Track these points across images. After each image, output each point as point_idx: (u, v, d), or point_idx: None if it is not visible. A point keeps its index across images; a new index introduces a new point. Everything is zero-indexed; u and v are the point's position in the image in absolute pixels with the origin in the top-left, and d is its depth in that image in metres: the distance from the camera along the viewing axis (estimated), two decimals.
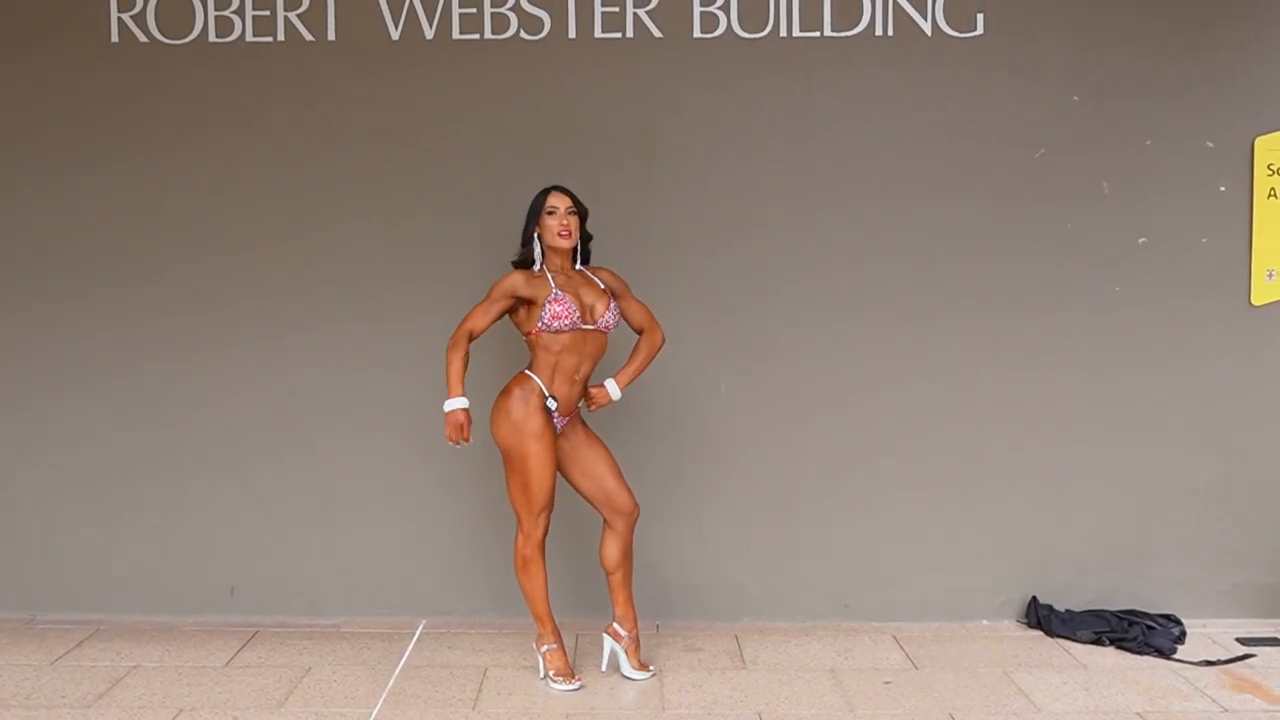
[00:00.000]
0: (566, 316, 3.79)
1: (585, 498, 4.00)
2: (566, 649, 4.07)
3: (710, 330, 4.58)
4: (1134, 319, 4.59)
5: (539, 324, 3.80)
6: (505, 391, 3.88)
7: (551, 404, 3.83)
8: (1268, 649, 4.36)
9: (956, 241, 4.57)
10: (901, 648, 4.37)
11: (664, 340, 4.03)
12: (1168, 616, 4.56)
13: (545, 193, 3.91)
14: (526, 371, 3.87)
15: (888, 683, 4.02)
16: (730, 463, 4.63)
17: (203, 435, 4.64)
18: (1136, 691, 3.95)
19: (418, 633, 4.50)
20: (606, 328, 3.89)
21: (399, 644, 4.37)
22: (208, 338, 4.62)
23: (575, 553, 4.45)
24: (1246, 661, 4.24)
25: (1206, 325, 4.59)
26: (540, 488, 3.82)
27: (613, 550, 3.99)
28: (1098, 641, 4.41)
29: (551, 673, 3.94)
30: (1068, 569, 4.66)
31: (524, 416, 3.81)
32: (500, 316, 3.85)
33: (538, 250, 3.90)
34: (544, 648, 3.98)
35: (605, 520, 4.00)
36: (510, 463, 3.84)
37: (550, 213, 3.87)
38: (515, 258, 3.93)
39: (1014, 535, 4.65)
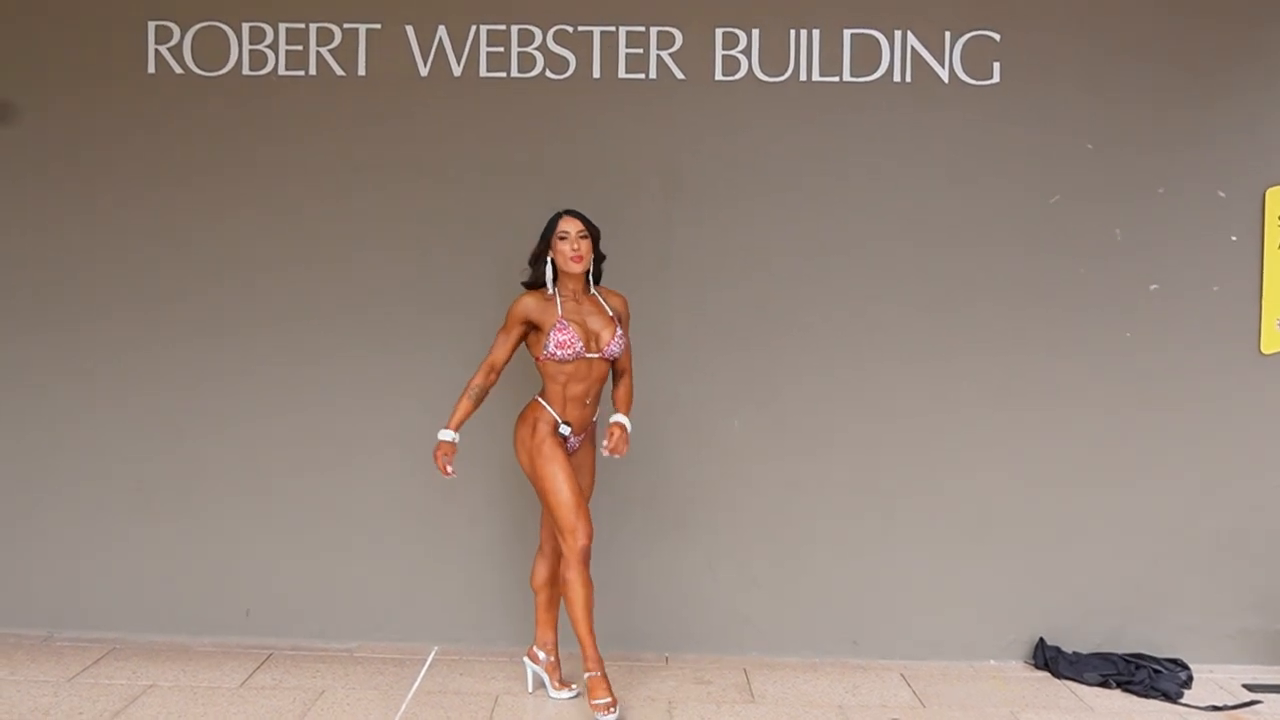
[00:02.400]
0: (570, 346, 3.89)
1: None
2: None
3: (725, 366, 4.65)
4: (1145, 365, 4.64)
5: (545, 351, 3.91)
6: (521, 418, 4.03)
7: (565, 430, 3.96)
8: (1275, 695, 4.38)
9: (970, 285, 4.63)
10: (909, 685, 4.40)
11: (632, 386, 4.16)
12: (1175, 661, 4.59)
13: (558, 217, 3.99)
14: (539, 400, 4.00)
15: None
16: (741, 498, 4.68)
17: (220, 459, 4.71)
18: None
19: (430, 659, 4.54)
20: (611, 356, 3.99)
21: (411, 669, 4.42)
22: (228, 363, 4.70)
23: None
24: (1253, 708, 4.26)
25: (1217, 372, 4.64)
26: (565, 489, 3.90)
27: (542, 570, 4.19)
28: (1104, 684, 4.44)
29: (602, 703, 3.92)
30: (1076, 611, 4.69)
31: (538, 442, 3.94)
32: (520, 341, 3.97)
33: (549, 273, 3.96)
34: (586, 675, 3.99)
35: (544, 543, 4.20)
36: (536, 484, 3.98)
37: (562, 238, 3.93)
38: (524, 279, 4.03)
39: (1023, 576, 4.68)
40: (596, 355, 3.95)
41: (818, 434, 4.66)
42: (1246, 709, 4.25)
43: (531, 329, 3.94)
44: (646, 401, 4.34)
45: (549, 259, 3.96)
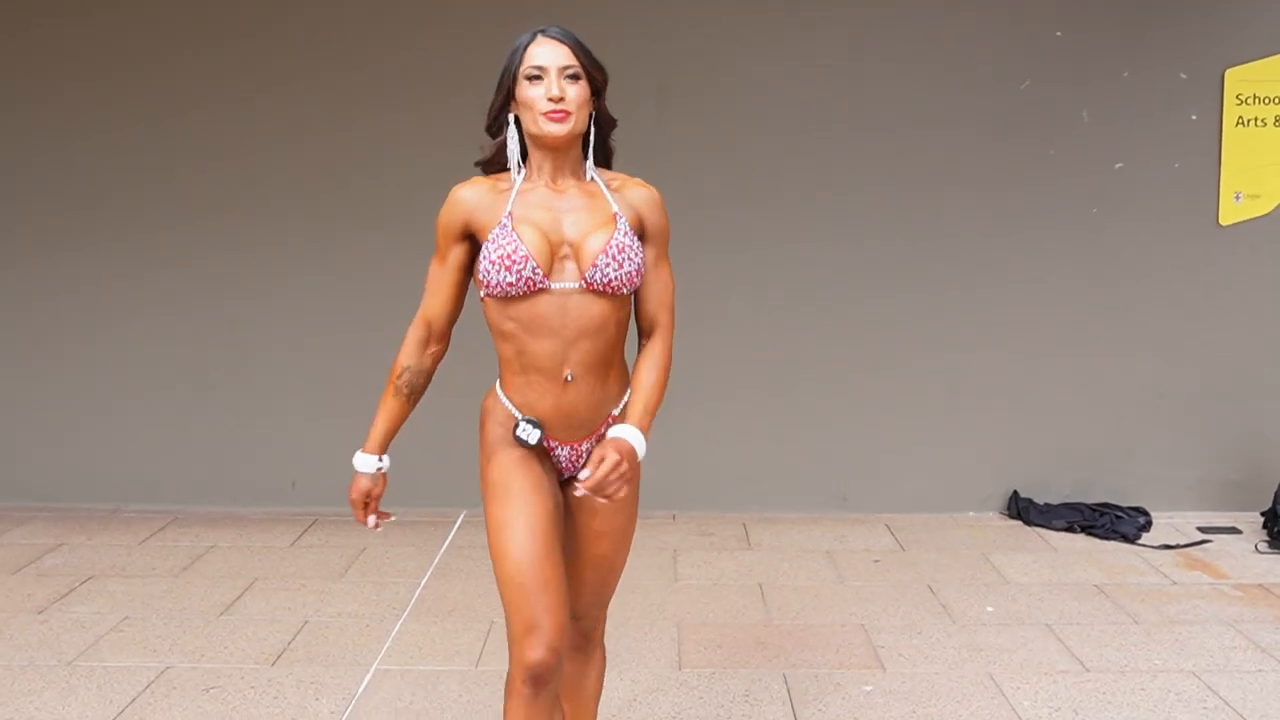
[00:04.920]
0: (506, 262, 2.15)
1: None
2: None
3: (721, 252, 5.02)
4: (1111, 238, 5.00)
5: (479, 280, 2.23)
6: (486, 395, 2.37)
7: (527, 434, 2.23)
8: (1224, 536, 4.83)
9: (946, 168, 4.98)
10: (892, 534, 4.87)
11: (670, 360, 2.38)
12: (1137, 509, 5.03)
13: (525, 42, 2.21)
14: (496, 385, 2.34)
15: (877, 561, 4.53)
16: (739, 371, 5.10)
17: (267, 346, 5.15)
18: (1098, 569, 4.44)
19: (459, 520, 5.03)
20: (604, 286, 2.19)
21: (443, 529, 4.91)
22: (265, 250, 5.09)
23: None
24: (1202, 546, 4.72)
25: (1178, 244, 5.00)
26: (515, 550, 2.17)
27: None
28: (1070, 529, 4.89)
29: None
30: (1048, 467, 5.13)
31: (484, 459, 2.29)
32: (467, 273, 2.30)
33: (513, 142, 2.25)
34: None
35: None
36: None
37: (533, 78, 2.18)
38: (481, 155, 2.34)
39: (999, 436, 5.12)
40: (573, 285, 2.19)
41: (806, 312, 5.06)
42: (1196, 547, 4.70)
43: (473, 245, 2.27)
44: None
45: (511, 118, 2.24)
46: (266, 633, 3.78)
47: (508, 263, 2.15)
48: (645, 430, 2.22)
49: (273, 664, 3.54)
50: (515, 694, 2.14)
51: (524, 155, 2.26)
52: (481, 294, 2.23)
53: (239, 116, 5.04)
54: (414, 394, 2.38)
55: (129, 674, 3.44)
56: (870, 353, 5.08)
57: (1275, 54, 4.88)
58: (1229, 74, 4.89)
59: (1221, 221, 4.96)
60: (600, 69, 2.24)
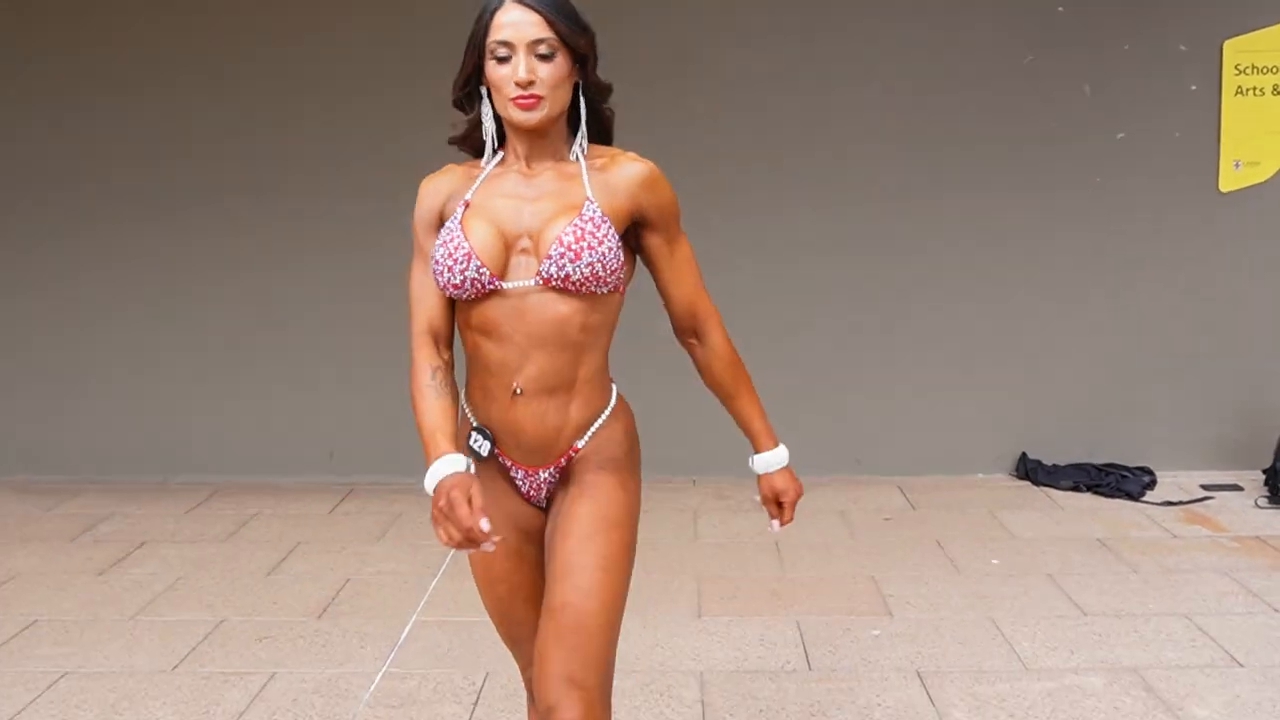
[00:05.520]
0: (447, 261, 1.93)
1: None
2: None
3: (735, 221, 5.20)
4: (1114, 206, 5.16)
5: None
6: None
7: (478, 444, 2.00)
8: (1226, 493, 5.00)
9: (956, 139, 5.14)
10: (904, 494, 5.07)
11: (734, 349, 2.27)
12: (1142, 468, 5.21)
13: (492, 6, 1.93)
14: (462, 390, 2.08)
15: (888, 519, 4.74)
16: (755, 339, 5.26)
17: (302, 325, 5.39)
18: (1101, 524, 4.63)
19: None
20: (562, 282, 1.92)
21: None
22: (302, 224, 5.29)
23: None
24: (1204, 502, 4.89)
25: (1180, 211, 5.15)
26: (495, 608, 2.09)
27: None
28: (1075, 488, 5.08)
29: None
30: (1055, 429, 5.30)
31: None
32: None
33: (488, 120, 2.00)
34: None
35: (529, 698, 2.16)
36: None
37: (501, 58, 1.91)
38: (452, 137, 2.08)
39: (1008, 399, 5.30)
40: (529, 283, 1.93)
41: (820, 281, 5.25)
42: (1198, 503, 4.88)
43: None
44: None
45: (484, 91, 1.98)
46: (312, 589, 4.03)
47: (450, 262, 1.91)
48: (777, 441, 2.19)
49: (319, 617, 3.79)
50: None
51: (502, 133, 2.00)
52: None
53: (274, 89, 5.26)
54: (452, 391, 1.99)
55: (187, 627, 3.70)
56: (883, 320, 5.26)
57: (1273, 24, 5.02)
58: (1228, 45, 5.03)
59: (1221, 189, 5.11)
60: (584, 32, 1.93)
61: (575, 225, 1.90)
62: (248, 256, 5.36)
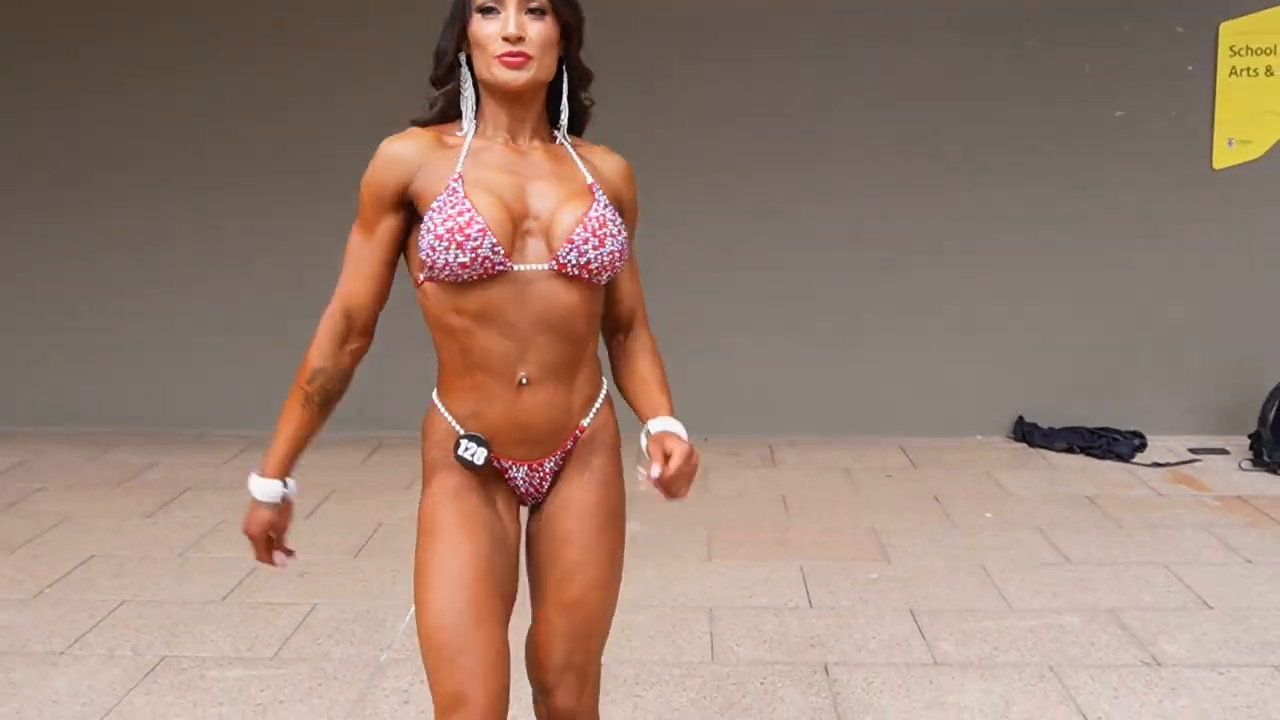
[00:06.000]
0: (457, 237, 1.76)
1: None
2: None
3: (740, 198, 5.45)
4: (1111, 182, 5.39)
5: (422, 259, 1.81)
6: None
7: (471, 453, 1.87)
8: (1213, 456, 5.25)
9: (957, 119, 5.37)
10: (906, 454, 5.33)
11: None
12: (1134, 432, 5.46)
13: None
14: (434, 396, 1.96)
15: (889, 476, 5.00)
16: (766, 305, 5.55)
17: (330, 286, 5.64)
18: (1091, 483, 4.88)
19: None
20: (580, 269, 1.82)
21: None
22: (333, 191, 5.58)
23: None
24: (1191, 465, 5.14)
25: (1174, 186, 5.38)
26: (431, 640, 1.81)
27: None
28: (1069, 450, 5.33)
29: None
30: (1051, 394, 5.56)
31: (424, 487, 1.95)
32: (397, 247, 1.90)
33: (467, 86, 1.87)
34: None
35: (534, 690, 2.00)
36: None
37: (486, 9, 1.81)
38: (422, 119, 1.92)
39: (1007, 366, 5.55)
40: (541, 267, 1.81)
41: (827, 251, 5.49)
42: (1185, 465, 5.13)
43: (409, 214, 1.86)
44: (677, 230, 5.18)
45: (462, 59, 1.86)
46: (347, 531, 4.31)
47: (460, 238, 1.74)
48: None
49: (355, 556, 4.08)
50: None
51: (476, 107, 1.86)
52: (420, 278, 1.83)
53: (305, 61, 5.51)
54: (328, 401, 1.96)
55: (232, 563, 3.98)
56: (887, 289, 5.51)
57: (1267, 8, 5.22)
58: (1224, 27, 5.23)
59: (1215, 166, 5.33)
60: (573, 6, 1.84)
61: (598, 211, 1.82)
62: (282, 218, 5.62)
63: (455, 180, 1.78)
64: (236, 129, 5.55)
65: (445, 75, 1.87)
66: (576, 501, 1.91)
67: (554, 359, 1.84)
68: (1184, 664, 3.21)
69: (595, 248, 1.80)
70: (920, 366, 5.56)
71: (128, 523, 4.43)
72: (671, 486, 1.76)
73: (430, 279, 1.80)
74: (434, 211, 1.77)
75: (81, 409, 5.75)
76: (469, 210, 1.75)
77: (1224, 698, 3.02)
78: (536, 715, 2.00)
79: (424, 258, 1.77)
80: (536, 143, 1.87)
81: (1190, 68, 5.28)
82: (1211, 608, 3.59)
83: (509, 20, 1.77)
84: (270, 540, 1.93)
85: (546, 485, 1.93)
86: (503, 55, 1.77)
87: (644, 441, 1.85)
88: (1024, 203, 5.42)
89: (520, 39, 1.76)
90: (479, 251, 1.74)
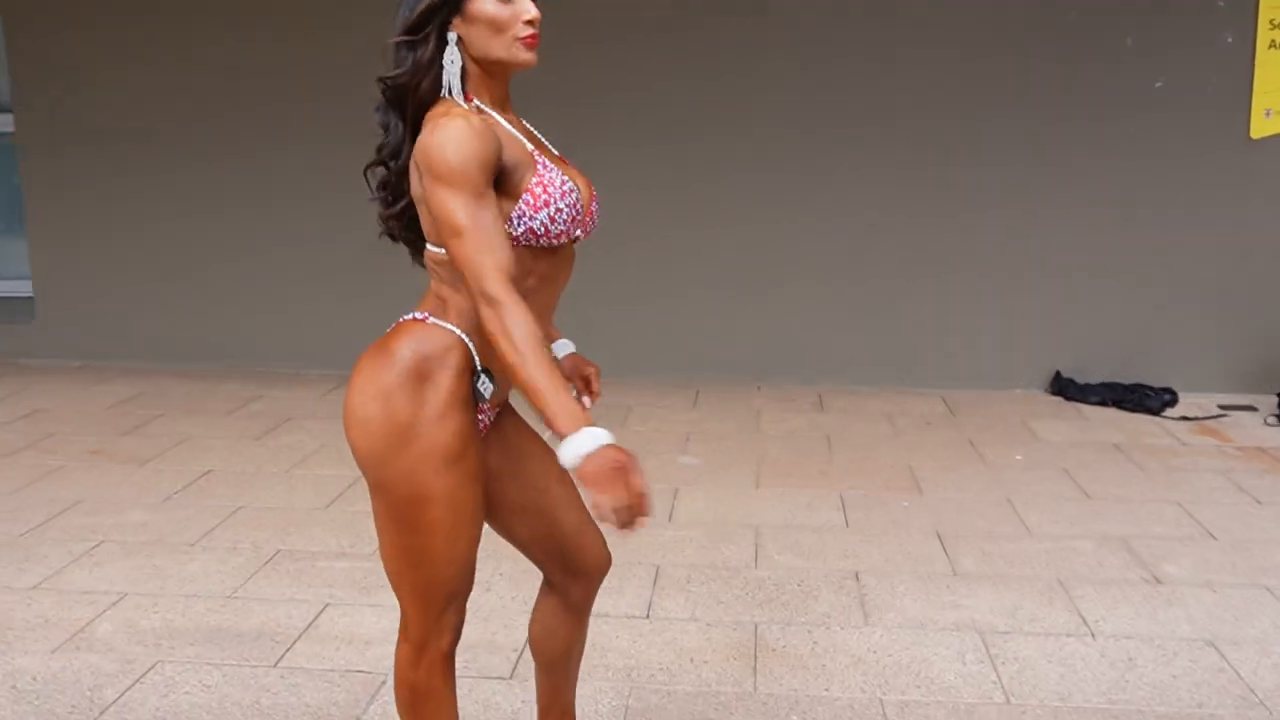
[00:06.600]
0: (573, 209, 1.94)
1: (519, 546, 2.21)
2: None
3: (788, 155, 5.81)
4: (1150, 150, 5.67)
5: (514, 228, 1.89)
6: (379, 361, 1.95)
7: (484, 388, 1.95)
8: (1240, 412, 5.54)
9: (1005, 89, 5.68)
10: (946, 404, 5.70)
11: None
12: (1166, 389, 5.76)
13: None
14: (433, 320, 1.97)
15: (929, 423, 5.38)
16: (817, 261, 5.93)
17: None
18: (1120, 433, 5.21)
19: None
20: (587, 231, 2.04)
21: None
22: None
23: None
24: (1218, 419, 5.44)
25: (1211, 154, 5.64)
26: (452, 558, 1.96)
27: (564, 634, 2.25)
28: (1102, 403, 5.66)
29: None
30: (1088, 351, 5.87)
31: (427, 419, 1.90)
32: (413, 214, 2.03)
33: (454, 66, 1.91)
34: None
35: (549, 582, 2.23)
36: (392, 509, 1.95)
37: None
38: (392, 76, 1.94)
39: (1047, 323, 5.87)
40: (578, 231, 2.01)
41: (875, 210, 5.85)
42: (1212, 419, 5.43)
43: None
44: (734, 191, 5.57)
45: (453, 36, 1.91)
46: None
47: (570, 211, 1.91)
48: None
49: None
50: (430, 688, 2.02)
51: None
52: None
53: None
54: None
55: (335, 479, 4.49)
56: (933, 247, 5.85)
57: None
58: (1264, 1, 5.47)
59: (1252, 135, 5.59)
60: None
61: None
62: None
63: (539, 155, 1.91)
64: (346, 86, 6.01)
65: (415, 29, 1.89)
66: (508, 424, 2.13)
67: (552, 314, 2.08)
68: (1182, 582, 3.58)
69: (598, 214, 2.06)
70: (964, 322, 5.90)
71: (239, 444, 4.97)
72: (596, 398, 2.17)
73: (526, 241, 1.89)
74: (543, 186, 1.88)
75: (193, 348, 6.32)
76: (566, 182, 1.91)
77: (1214, 610, 3.39)
78: (546, 610, 2.23)
79: (537, 226, 1.87)
80: (512, 114, 2.00)
81: (1230, 40, 5.53)
82: (1216, 539, 3.93)
83: (529, 4, 1.90)
84: (631, 481, 1.69)
85: (490, 419, 2.09)
86: (526, 37, 1.89)
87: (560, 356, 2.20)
88: (1067, 168, 5.72)
89: (538, 21, 1.91)
90: (580, 219, 1.94)
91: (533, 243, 1.89)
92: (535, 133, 2.04)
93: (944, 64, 5.70)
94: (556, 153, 2.05)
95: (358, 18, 5.83)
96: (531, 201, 1.86)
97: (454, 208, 1.79)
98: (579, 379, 2.17)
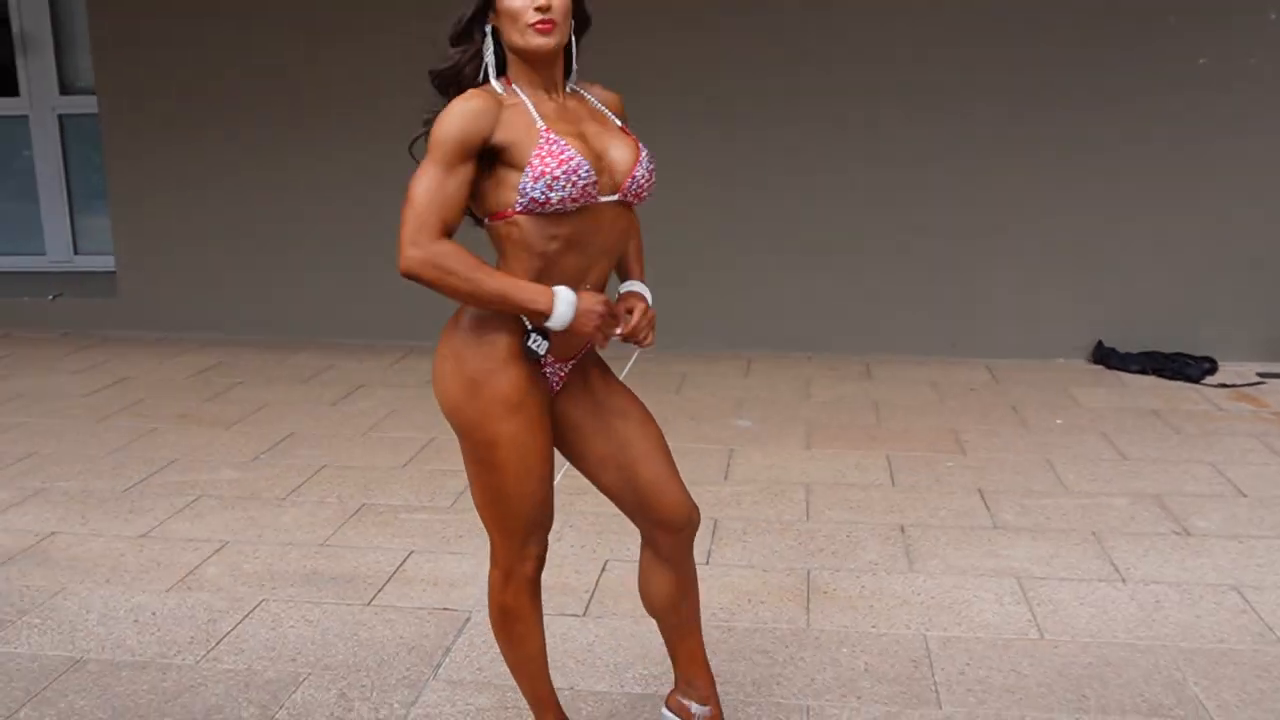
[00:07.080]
0: (571, 177, 2.09)
1: (608, 496, 2.41)
2: None
3: (839, 129, 6.02)
4: (1194, 124, 5.81)
5: (518, 197, 2.11)
6: (451, 328, 2.25)
7: (538, 345, 2.16)
8: (1279, 381, 5.70)
9: (1048, 57, 5.83)
10: (990, 372, 5.90)
11: None
12: (1206, 357, 5.91)
13: None
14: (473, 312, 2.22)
15: (973, 390, 5.58)
16: (865, 234, 6.14)
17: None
18: (1159, 399, 5.40)
19: (636, 354, 6.23)
20: (636, 196, 2.22)
21: (622, 362, 6.13)
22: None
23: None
24: (1256, 386, 5.60)
25: (1254, 131, 5.77)
26: (524, 494, 2.22)
27: (661, 584, 2.45)
28: (1142, 372, 5.83)
29: None
30: (1130, 321, 6.04)
31: (487, 371, 2.18)
32: (466, 193, 2.13)
33: (490, 54, 2.19)
34: None
35: (642, 534, 2.43)
36: (471, 450, 2.24)
37: None
38: (440, 67, 2.26)
39: (1089, 294, 6.04)
40: (614, 198, 2.18)
41: (922, 184, 6.04)
42: (1251, 387, 5.59)
43: (485, 162, 2.13)
44: (787, 170, 5.78)
45: (487, 26, 2.18)
46: None
47: (574, 177, 2.08)
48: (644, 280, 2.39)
49: None
50: (518, 610, 2.33)
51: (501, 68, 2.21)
52: (513, 208, 2.10)
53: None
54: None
55: (408, 441, 4.79)
56: (977, 219, 6.04)
57: None
58: None
59: None
60: None
61: (640, 147, 2.22)
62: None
63: (546, 130, 2.10)
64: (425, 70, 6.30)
65: (461, 36, 2.19)
66: (594, 378, 2.36)
67: (603, 273, 2.23)
68: (1210, 535, 3.79)
69: (645, 178, 2.20)
70: (1008, 293, 6.09)
71: (317, 409, 5.29)
72: (637, 335, 2.24)
73: (527, 211, 2.10)
74: (541, 157, 2.07)
75: (266, 322, 6.66)
76: (568, 150, 2.09)
77: (1239, 559, 3.59)
78: (644, 561, 2.45)
79: (537, 195, 2.07)
80: (563, 92, 2.21)
81: (1273, 17, 5.65)
82: (1246, 496, 4.13)
83: None
84: (604, 317, 2.16)
85: (562, 383, 2.30)
86: (535, 24, 2.10)
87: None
88: (1111, 143, 5.88)
89: (548, 8, 2.09)
90: (585, 186, 2.09)
91: (537, 210, 2.09)
92: (598, 107, 2.26)
93: (992, 44, 5.87)
94: (620, 124, 2.26)
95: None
96: (530, 173, 2.07)
97: (419, 173, 2.10)
98: (624, 308, 2.27)
